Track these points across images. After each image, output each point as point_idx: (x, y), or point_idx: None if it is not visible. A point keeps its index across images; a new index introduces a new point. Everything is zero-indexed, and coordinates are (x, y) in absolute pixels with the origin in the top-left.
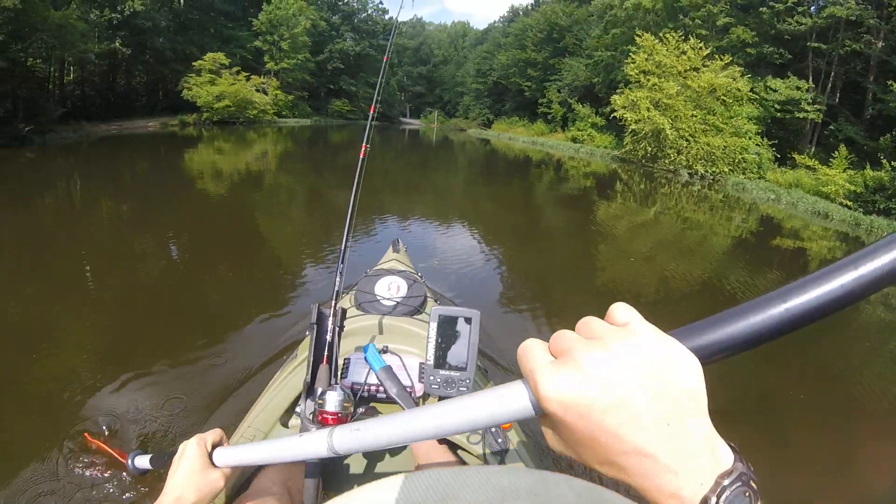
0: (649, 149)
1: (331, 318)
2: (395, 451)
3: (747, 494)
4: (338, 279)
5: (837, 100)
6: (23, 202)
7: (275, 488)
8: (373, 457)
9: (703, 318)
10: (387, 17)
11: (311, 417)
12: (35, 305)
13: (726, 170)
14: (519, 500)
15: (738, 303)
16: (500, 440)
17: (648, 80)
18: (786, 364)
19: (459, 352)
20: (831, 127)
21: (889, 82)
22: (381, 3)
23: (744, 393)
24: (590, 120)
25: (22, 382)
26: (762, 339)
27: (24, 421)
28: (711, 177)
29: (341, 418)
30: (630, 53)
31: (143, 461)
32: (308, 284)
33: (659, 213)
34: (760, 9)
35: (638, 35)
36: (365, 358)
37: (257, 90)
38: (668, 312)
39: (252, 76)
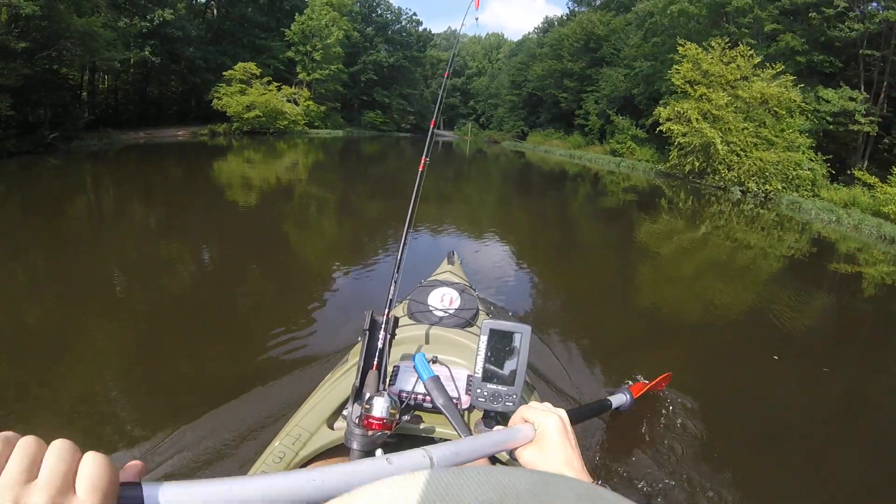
0: (697, 164)
1: (383, 326)
2: None
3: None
4: (392, 288)
5: (885, 110)
6: (43, 209)
7: None
8: None
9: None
10: (421, 28)
11: (357, 421)
12: (61, 314)
13: (779, 187)
14: (519, 500)
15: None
16: None
17: (695, 90)
18: None
19: (508, 366)
20: (885, 140)
21: None
22: (414, 14)
23: None
24: (629, 132)
25: (49, 388)
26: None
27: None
28: (763, 194)
29: (387, 424)
30: (674, 63)
31: None
32: (363, 292)
33: (708, 234)
34: (809, 14)
35: (680, 44)
36: (414, 367)
37: (288, 101)
38: (713, 343)
39: (283, 86)
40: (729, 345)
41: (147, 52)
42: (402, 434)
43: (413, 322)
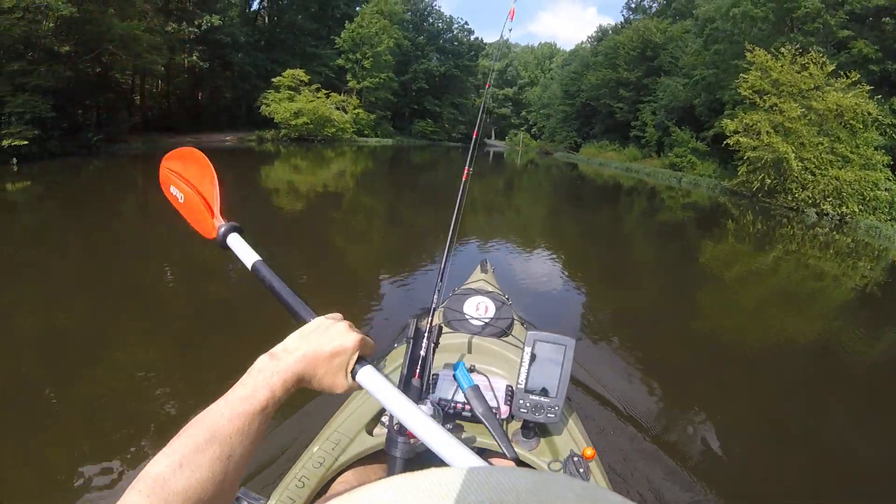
0: (768, 181)
1: (426, 334)
2: None
3: None
4: (435, 296)
5: None
6: (79, 209)
7: None
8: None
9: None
10: (472, 37)
11: (397, 428)
12: (102, 319)
13: (857, 209)
14: (519, 500)
15: None
16: (581, 469)
17: (764, 100)
18: None
19: (551, 378)
20: None
21: None
22: (466, 23)
23: None
24: (689, 145)
25: (96, 383)
26: None
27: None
28: (839, 217)
29: None
30: (740, 71)
31: (240, 247)
32: (398, 297)
33: (778, 260)
34: (883, 19)
35: (748, 49)
36: (454, 375)
37: (337, 108)
38: (771, 377)
39: (332, 94)
40: (789, 381)
41: (195, 58)
42: None
43: (451, 330)
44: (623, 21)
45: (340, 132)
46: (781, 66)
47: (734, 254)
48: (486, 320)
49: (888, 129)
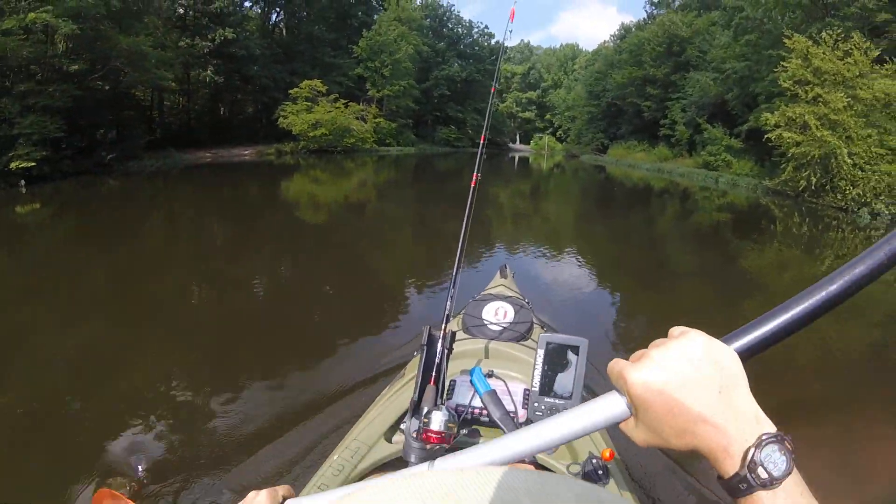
0: (815, 179)
1: (440, 341)
2: None
3: (783, 452)
4: (448, 303)
5: None
6: (89, 232)
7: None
8: None
9: None
10: (493, 41)
11: (415, 435)
12: (132, 335)
13: None
14: (518, 500)
15: None
16: (600, 471)
17: (807, 91)
18: None
19: (566, 380)
20: None
21: None
22: (486, 27)
23: None
24: (723, 142)
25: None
26: (787, 332)
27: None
28: (891, 217)
29: (445, 438)
30: (781, 60)
31: None
32: (418, 307)
33: (828, 267)
34: None
35: (786, 35)
36: (471, 381)
37: (356, 118)
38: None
39: (350, 103)
40: (845, 400)
41: (210, 72)
42: (459, 448)
43: (469, 336)
44: (646, 17)
45: (360, 142)
46: (823, 53)
47: (780, 260)
48: (505, 325)
49: None
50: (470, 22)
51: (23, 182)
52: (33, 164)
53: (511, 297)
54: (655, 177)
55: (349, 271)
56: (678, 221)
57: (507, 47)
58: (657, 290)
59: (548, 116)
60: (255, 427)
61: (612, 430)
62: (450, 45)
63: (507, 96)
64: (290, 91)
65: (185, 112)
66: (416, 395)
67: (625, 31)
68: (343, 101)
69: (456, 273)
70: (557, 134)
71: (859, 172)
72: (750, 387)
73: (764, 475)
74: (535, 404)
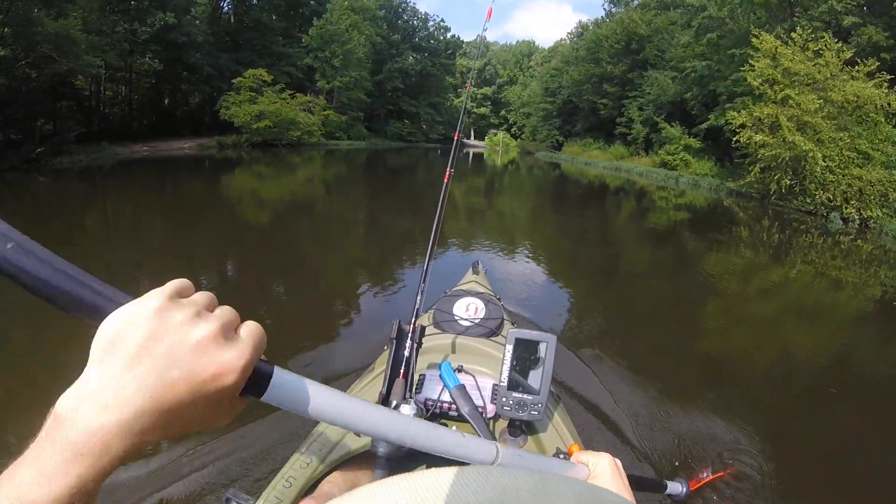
0: (786, 181)
1: (409, 335)
2: None
3: None
4: (418, 297)
5: None
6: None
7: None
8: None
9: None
10: (449, 35)
11: None
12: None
13: (880, 213)
14: (519, 500)
15: None
16: None
17: (776, 91)
18: None
19: (534, 376)
20: None
21: None
22: (442, 20)
23: None
24: (682, 142)
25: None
26: None
27: None
28: (860, 222)
29: None
30: (746, 60)
31: None
32: (387, 303)
33: (794, 271)
34: (894, 4)
35: (755, 35)
36: (440, 375)
37: (303, 110)
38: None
39: (297, 94)
40: (793, 393)
41: (148, 59)
42: None
43: (439, 331)
44: (604, 15)
45: (307, 135)
46: (792, 53)
47: (746, 264)
48: (476, 321)
49: None
50: (426, 14)
51: None
52: None
53: (482, 293)
54: (612, 175)
55: (305, 271)
56: (638, 221)
57: (462, 42)
58: (618, 286)
59: (503, 113)
60: (218, 430)
61: (587, 428)
62: (405, 38)
63: (462, 91)
64: (233, 80)
65: (126, 102)
66: (385, 388)
67: (582, 29)
68: (290, 93)
69: (426, 267)
70: (512, 130)
71: (830, 176)
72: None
73: None
74: (504, 399)
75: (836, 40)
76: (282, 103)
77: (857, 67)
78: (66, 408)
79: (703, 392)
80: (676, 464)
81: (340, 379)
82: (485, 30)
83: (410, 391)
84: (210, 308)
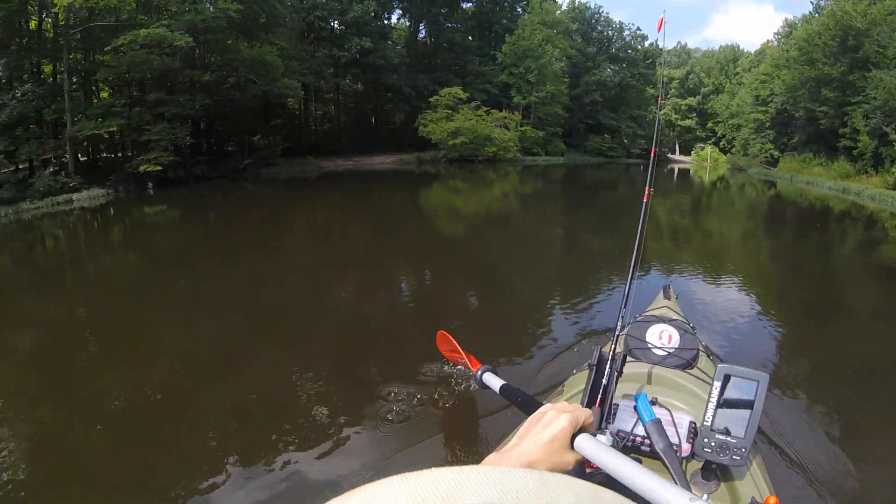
0: None
1: (609, 362)
2: None
3: None
4: (619, 323)
5: None
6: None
7: None
8: None
9: None
10: (646, 43)
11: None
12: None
13: None
14: (519, 500)
15: None
16: None
17: None
18: None
19: (739, 416)
20: None
21: None
22: (638, 28)
23: None
24: None
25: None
26: None
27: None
28: None
29: None
30: None
31: (491, 380)
32: (579, 323)
33: None
34: None
35: None
36: (635, 407)
37: (498, 126)
38: None
39: (492, 111)
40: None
41: (348, 81)
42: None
43: (633, 359)
44: (812, 9)
45: (503, 151)
46: None
47: None
48: (670, 350)
49: None
50: (620, 24)
51: (150, 185)
52: (159, 168)
53: (675, 320)
54: (836, 197)
55: (496, 283)
56: (863, 252)
57: (661, 50)
58: (832, 329)
59: (709, 125)
60: (409, 431)
61: (775, 476)
62: (600, 49)
63: (664, 103)
64: (430, 99)
65: (334, 121)
66: None
67: (790, 28)
68: (485, 109)
69: (628, 290)
70: (721, 144)
71: None
72: None
73: None
74: (705, 440)
75: None
76: (477, 120)
77: None
78: (502, 449)
79: None
80: None
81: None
82: (658, 40)
83: (606, 421)
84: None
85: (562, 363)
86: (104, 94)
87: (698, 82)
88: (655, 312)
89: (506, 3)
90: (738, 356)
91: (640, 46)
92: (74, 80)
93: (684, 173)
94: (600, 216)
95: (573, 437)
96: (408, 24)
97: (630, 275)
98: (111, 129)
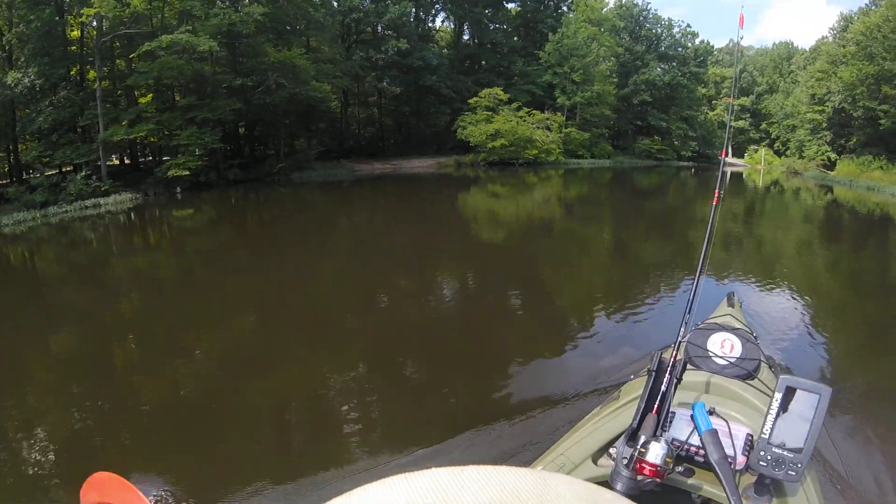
0: None
1: (669, 369)
2: None
3: None
4: (682, 329)
5: None
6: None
7: None
8: None
9: None
10: (697, 41)
11: (625, 463)
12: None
13: None
14: (520, 500)
15: None
16: None
17: None
18: None
19: (798, 430)
20: None
21: None
22: (689, 25)
23: None
24: None
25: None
26: None
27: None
28: None
29: (659, 472)
30: None
31: None
32: (637, 328)
33: None
34: None
35: None
36: (692, 416)
37: (540, 127)
38: None
39: (534, 112)
40: None
41: (385, 83)
42: (667, 485)
43: (692, 367)
44: (870, 1)
45: (545, 154)
46: None
47: None
48: (731, 360)
49: None
50: (669, 20)
51: (178, 189)
52: (186, 173)
53: (738, 329)
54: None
55: (545, 290)
56: None
57: (713, 48)
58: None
59: (763, 126)
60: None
61: (828, 497)
62: (649, 47)
63: (716, 103)
64: (469, 101)
65: (376, 123)
66: (636, 421)
67: (846, 22)
68: (527, 110)
69: (693, 296)
70: (775, 146)
71: None
72: None
73: None
74: (762, 453)
75: None
76: (518, 121)
77: None
78: None
79: None
80: None
81: (577, 399)
82: (740, 38)
83: (661, 428)
84: None
85: (619, 369)
86: (142, 100)
87: (752, 81)
88: (718, 320)
89: (550, 2)
90: (799, 369)
91: (690, 44)
92: (105, 84)
93: (737, 176)
94: (650, 222)
95: None
96: (452, 26)
97: (696, 280)
98: (140, 135)
